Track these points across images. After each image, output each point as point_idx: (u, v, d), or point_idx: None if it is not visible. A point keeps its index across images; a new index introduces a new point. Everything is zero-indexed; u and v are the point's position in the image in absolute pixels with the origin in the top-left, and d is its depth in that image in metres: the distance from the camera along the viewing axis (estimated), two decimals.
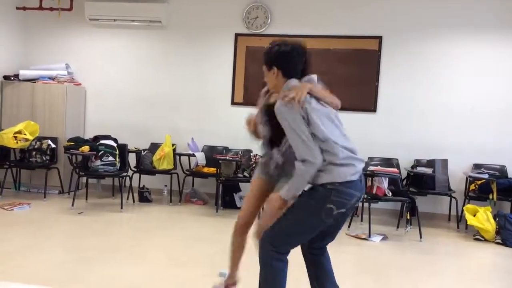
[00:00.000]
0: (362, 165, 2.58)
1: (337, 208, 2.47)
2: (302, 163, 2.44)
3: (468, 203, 5.83)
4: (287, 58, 2.65)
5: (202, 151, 6.72)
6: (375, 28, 6.42)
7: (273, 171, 2.83)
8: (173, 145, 6.60)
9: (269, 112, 2.72)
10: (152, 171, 6.54)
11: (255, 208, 2.97)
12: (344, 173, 2.47)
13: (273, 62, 2.66)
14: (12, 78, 6.94)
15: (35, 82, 6.89)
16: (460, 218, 5.97)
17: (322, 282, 2.75)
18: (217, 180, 6.17)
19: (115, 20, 6.88)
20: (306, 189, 2.56)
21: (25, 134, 6.26)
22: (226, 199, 6.38)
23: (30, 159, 6.52)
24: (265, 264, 2.60)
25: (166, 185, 6.74)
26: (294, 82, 2.62)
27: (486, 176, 5.73)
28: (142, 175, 6.69)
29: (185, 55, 6.97)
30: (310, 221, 2.52)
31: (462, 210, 5.82)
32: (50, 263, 3.81)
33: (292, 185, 2.49)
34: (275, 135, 2.73)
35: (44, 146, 6.50)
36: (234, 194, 6.38)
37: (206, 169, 6.43)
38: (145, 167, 6.54)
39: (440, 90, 6.33)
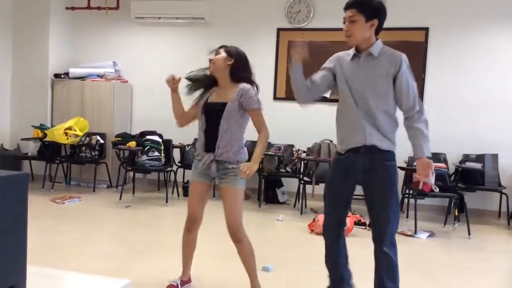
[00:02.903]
0: None
1: None
2: (423, 114, 2.61)
3: None
4: (385, 15, 2.60)
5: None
6: (422, 19, 6.25)
7: (214, 172, 2.96)
8: None
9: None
10: None
11: (201, 207, 3.14)
12: None
13: (376, 14, 2.56)
14: (62, 76, 7.20)
15: (84, 79, 7.12)
16: (511, 215, 5.75)
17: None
18: (259, 175, 6.19)
19: (159, 18, 7.01)
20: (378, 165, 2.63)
21: (75, 130, 6.47)
22: (268, 194, 6.40)
23: (80, 155, 6.75)
24: (395, 264, 2.62)
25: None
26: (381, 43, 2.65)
27: None
28: (186, 170, 6.80)
29: None
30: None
31: None
32: (100, 254, 3.94)
33: (427, 139, 2.57)
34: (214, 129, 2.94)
35: (93, 141, 6.72)
36: (276, 189, 6.39)
37: None
38: (189, 162, 6.64)
39: (490, 83, 6.10)
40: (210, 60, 2.98)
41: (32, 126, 6.85)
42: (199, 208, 3.12)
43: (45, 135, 6.59)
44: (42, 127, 6.74)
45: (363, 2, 2.54)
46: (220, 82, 3.02)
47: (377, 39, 2.63)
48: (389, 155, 2.62)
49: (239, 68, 2.97)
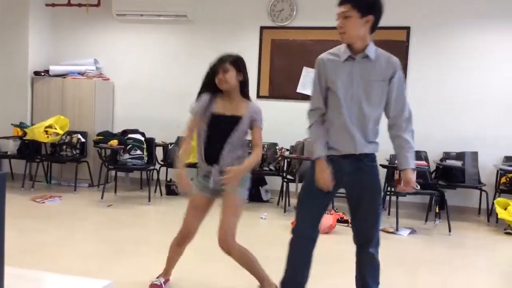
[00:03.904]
0: None
1: None
2: (411, 123, 2.56)
3: (499, 196, 5.71)
4: (380, 12, 2.43)
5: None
6: (403, 18, 6.30)
7: (214, 185, 2.94)
8: None
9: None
10: None
11: (198, 222, 3.04)
12: None
13: (371, 10, 2.39)
14: (42, 74, 7.10)
15: (64, 77, 7.02)
16: (491, 212, 5.85)
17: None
18: None
19: (141, 15, 6.95)
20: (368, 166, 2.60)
21: (55, 129, 6.39)
22: (252, 192, 6.39)
23: (61, 153, 6.66)
24: (378, 264, 2.64)
25: (192, 178, 6.78)
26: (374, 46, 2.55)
27: None
28: (169, 169, 6.76)
29: (210, 48, 6.97)
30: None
31: (493, 204, 5.69)
32: (81, 254, 3.90)
33: (412, 150, 2.54)
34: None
35: (74, 140, 6.63)
36: (260, 187, 6.40)
37: None
38: (172, 160, 6.61)
39: (471, 82, 6.19)
40: (220, 78, 2.86)
41: (11, 124, 6.74)
42: (196, 223, 3.00)
43: (25, 133, 6.50)
44: (22, 126, 6.65)
45: None
46: (229, 94, 2.94)
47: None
48: (373, 157, 2.58)
49: (246, 82, 2.97)
